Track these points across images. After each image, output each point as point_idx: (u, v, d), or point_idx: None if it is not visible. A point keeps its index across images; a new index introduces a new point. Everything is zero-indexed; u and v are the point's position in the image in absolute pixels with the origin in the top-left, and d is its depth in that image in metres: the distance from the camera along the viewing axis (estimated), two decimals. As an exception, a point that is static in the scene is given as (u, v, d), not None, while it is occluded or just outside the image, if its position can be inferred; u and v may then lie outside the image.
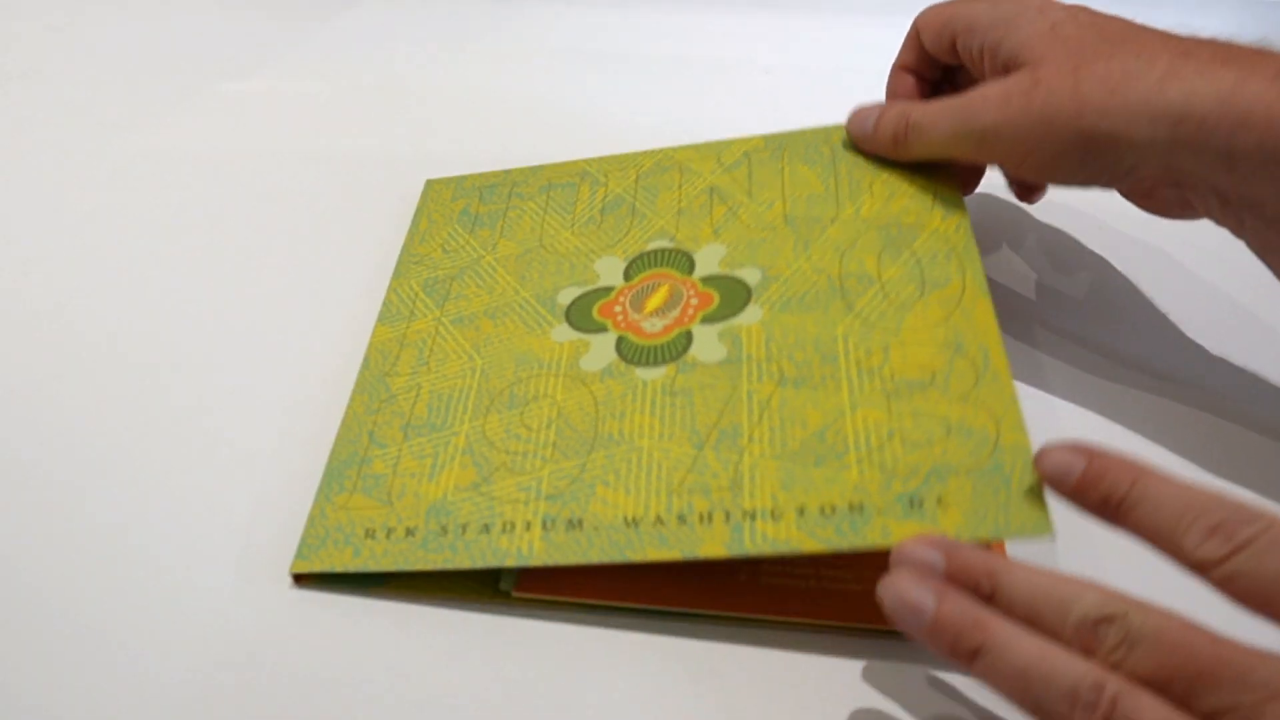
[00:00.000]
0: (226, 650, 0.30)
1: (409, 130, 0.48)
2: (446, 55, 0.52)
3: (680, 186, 0.41)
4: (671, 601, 0.30)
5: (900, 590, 0.25)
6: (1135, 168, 0.32)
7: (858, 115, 0.39)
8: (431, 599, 0.31)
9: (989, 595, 0.25)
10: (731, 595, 0.30)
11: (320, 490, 0.33)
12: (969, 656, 0.24)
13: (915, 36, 0.40)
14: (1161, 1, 0.64)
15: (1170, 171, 0.31)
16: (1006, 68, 0.34)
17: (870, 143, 0.39)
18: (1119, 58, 0.31)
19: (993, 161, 0.36)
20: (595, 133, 0.52)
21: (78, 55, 0.53)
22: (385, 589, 0.31)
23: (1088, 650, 0.23)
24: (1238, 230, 0.32)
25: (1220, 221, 0.33)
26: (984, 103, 0.34)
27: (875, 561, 0.28)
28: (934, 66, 0.40)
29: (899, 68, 0.41)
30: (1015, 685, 0.23)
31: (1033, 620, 0.24)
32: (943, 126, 0.35)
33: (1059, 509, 0.27)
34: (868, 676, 0.29)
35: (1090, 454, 0.26)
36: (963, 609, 0.24)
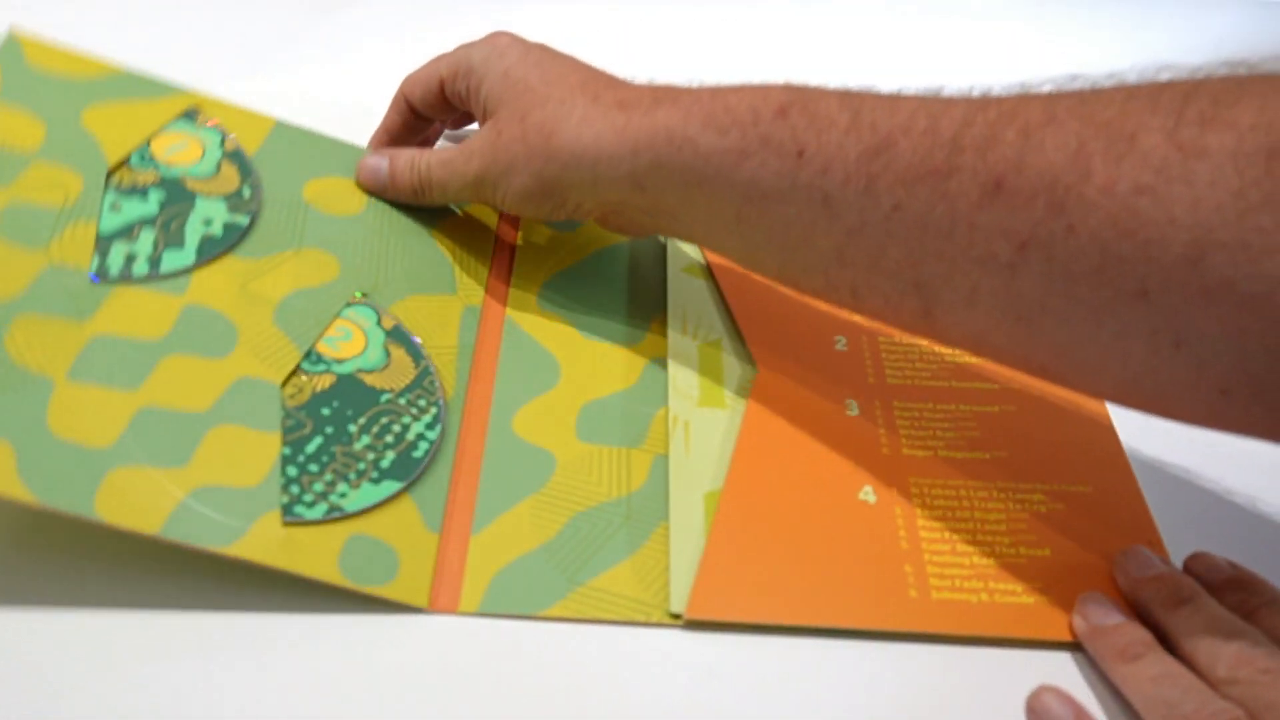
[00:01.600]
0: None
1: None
2: (437, 48, 0.52)
3: None
4: (844, 620, 0.31)
5: (1093, 598, 0.32)
6: (580, 203, 0.37)
7: (366, 167, 0.41)
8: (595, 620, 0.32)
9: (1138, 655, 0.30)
10: (904, 612, 0.31)
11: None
12: (1130, 659, 0.30)
13: (403, 101, 0.42)
14: (1162, 2, 0.64)
15: (604, 202, 0.36)
16: (486, 113, 0.38)
17: (389, 192, 0.41)
18: (550, 105, 0.36)
19: (488, 204, 0.40)
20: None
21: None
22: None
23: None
24: (674, 235, 0.41)
25: (662, 233, 0.41)
26: (468, 157, 0.38)
27: (1044, 574, 0.32)
28: (415, 130, 0.44)
29: (382, 131, 0.44)
30: (1153, 683, 0.29)
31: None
32: (448, 181, 0.39)
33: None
34: (1040, 684, 0.30)
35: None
36: (1140, 628, 0.31)
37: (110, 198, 0.37)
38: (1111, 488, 0.35)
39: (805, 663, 0.31)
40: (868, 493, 0.34)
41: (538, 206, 0.37)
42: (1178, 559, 0.33)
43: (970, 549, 0.33)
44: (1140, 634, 0.30)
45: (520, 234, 0.44)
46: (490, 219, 0.44)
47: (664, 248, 0.44)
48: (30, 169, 0.36)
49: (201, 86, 0.42)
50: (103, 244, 0.35)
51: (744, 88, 0.33)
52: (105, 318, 0.34)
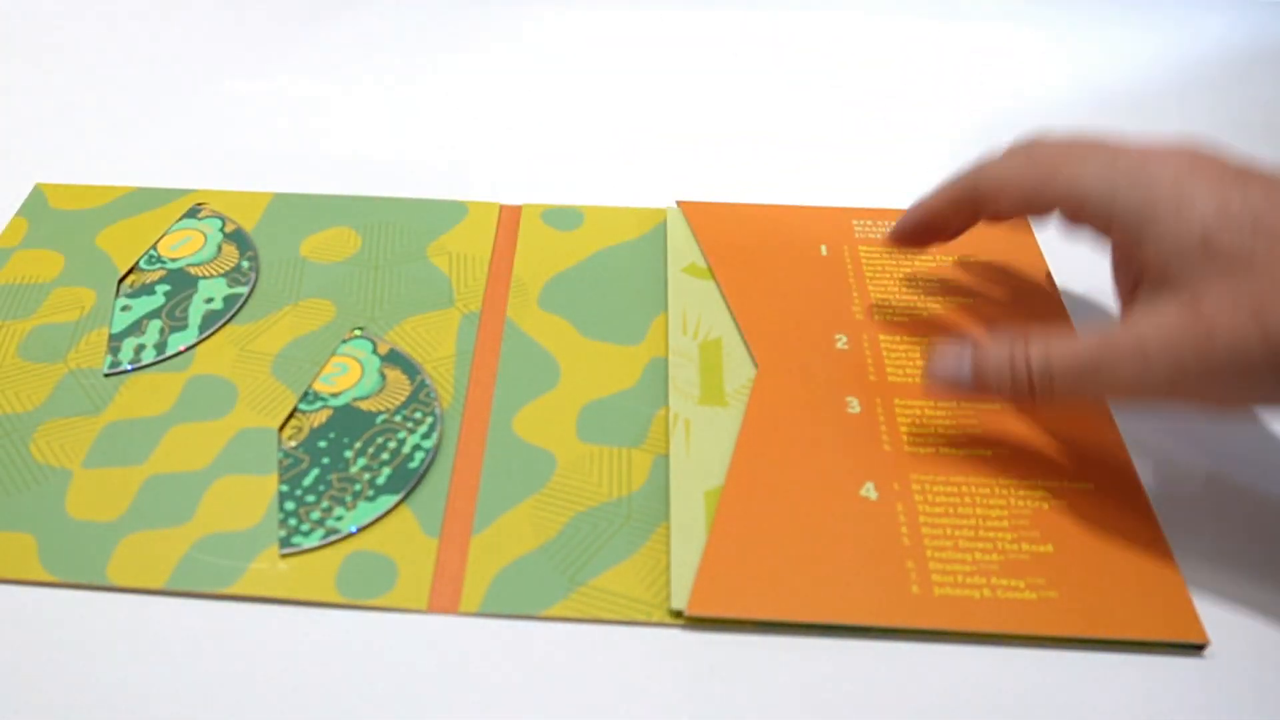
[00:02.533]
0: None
1: (400, 131, 0.49)
2: (436, 51, 0.53)
3: None
4: (846, 616, 0.30)
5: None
6: None
7: (941, 372, 0.32)
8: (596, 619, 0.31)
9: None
10: (906, 608, 0.30)
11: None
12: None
13: (971, 196, 0.33)
14: (1162, 2, 0.61)
15: None
16: (1157, 280, 0.28)
17: (975, 396, 0.32)
18: None
19: (1180, 405, 0.28)
20: (589, 134, 0.52)
21: (72, 56, 0.56)
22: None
23: None
24: None
25: None
26: (1140, 354, 0.27)
27: (1047, 571, 0.31)
28: (971, 222, 0.35)
29: (928, 211, 0.35)
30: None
31: None
32: (1090, 383, 0.29)
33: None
34: (1042, 684, 0.29)
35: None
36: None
37: (121, 302, 0.40)
38: (1113, 484, 0.34)
39: (805, 661, 0.30)
40: (869, 489, 0.33)
41: (1269, 396, 0.27)
42: (1180, 556, 0.32)
43: (972, 545, 0.32)
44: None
45: (520, 237, 0.43)
46: (489, 222, 0.44)
47: (663, 248, 0.43)
48: (50, 297, 0.40)
49: (202, 88, 0.44)
50: (114, 343, 0.38)
51: None
52: (117, 406, 0.36)
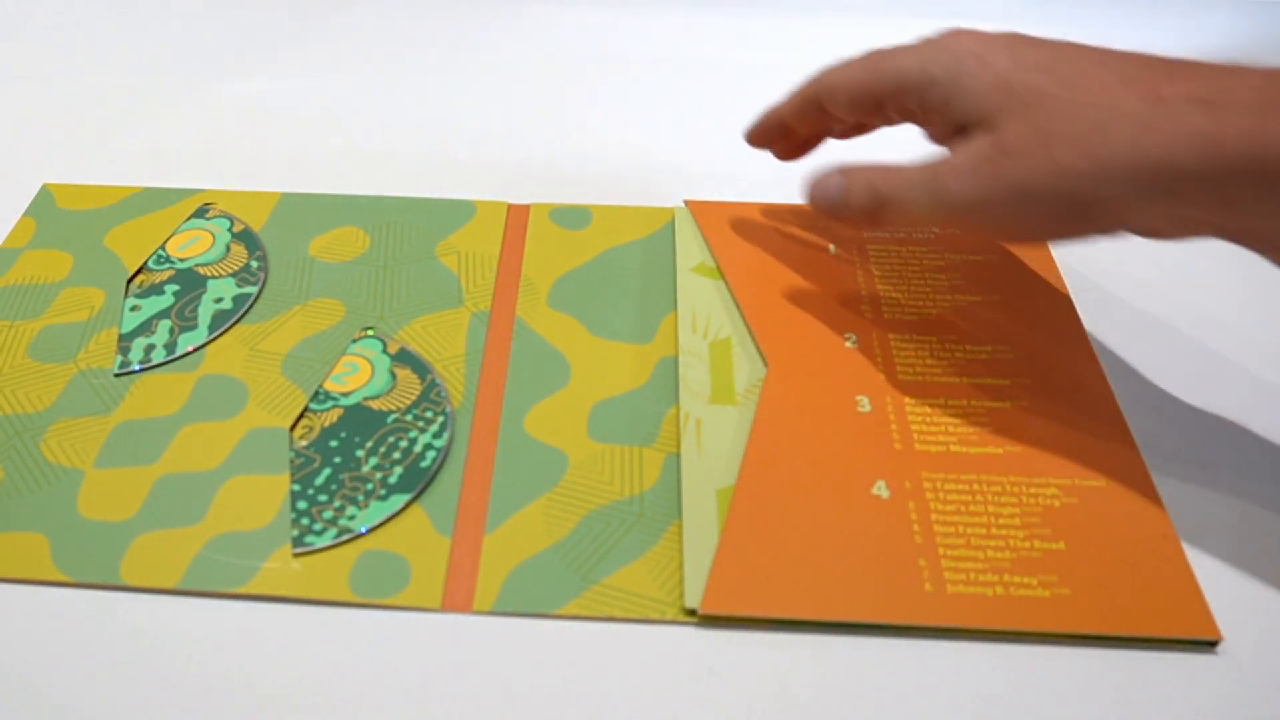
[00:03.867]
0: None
1: (408, 131, 0.49)
2: (444, 50, 0.53)
3: None
4: (859, 614, 0.30)
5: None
6: (1128, 220, 0.30)
7: (819, 184, 0.35)
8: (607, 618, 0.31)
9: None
10: (919, 606, 0.30)
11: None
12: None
13: (815, 98, 0.37)
14: (1162, 2, 0.62)
15: (1165, 216, 0.29)
16: (961, 127, 0.32)
17: (838, 212, 0.35)
18: (1086, 111, 0.29)
19: (973, 231, 0.33)
20: (597, 133, 0.52)
21: (78, 55, 0.56)
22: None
23: None
24: (1251, 248, 0.30)
25: (1242, 246, 0.30)
26: (954, 176, 0.31)
27: (1060, 568, 0.31)
28: (821, 126, 0.39)
29: (776, 117, 0.39)
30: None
31: None
32: (916, 201, 0.32)
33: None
34: (1054, 681, 0.29)
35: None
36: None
37: (130, 302, 0.40)
38: (1124, 480, 0.34)
39: (819, 659, 0.30)
40: (880, 488, 0.33)
41: (1062, 229, 0.31)
42: (1192, 552, 0.32)
43: (985, 543, 0.32)
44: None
45: (528, 236, 0.43)
46: (497, 223, 0.44)
47: (672, 247, 0.43)
48: (59, 297, 0.40)
49: (208, 87, 0.44)
50: (124, 343, 0.38)
51: None
52: (128, 406, 0.36)
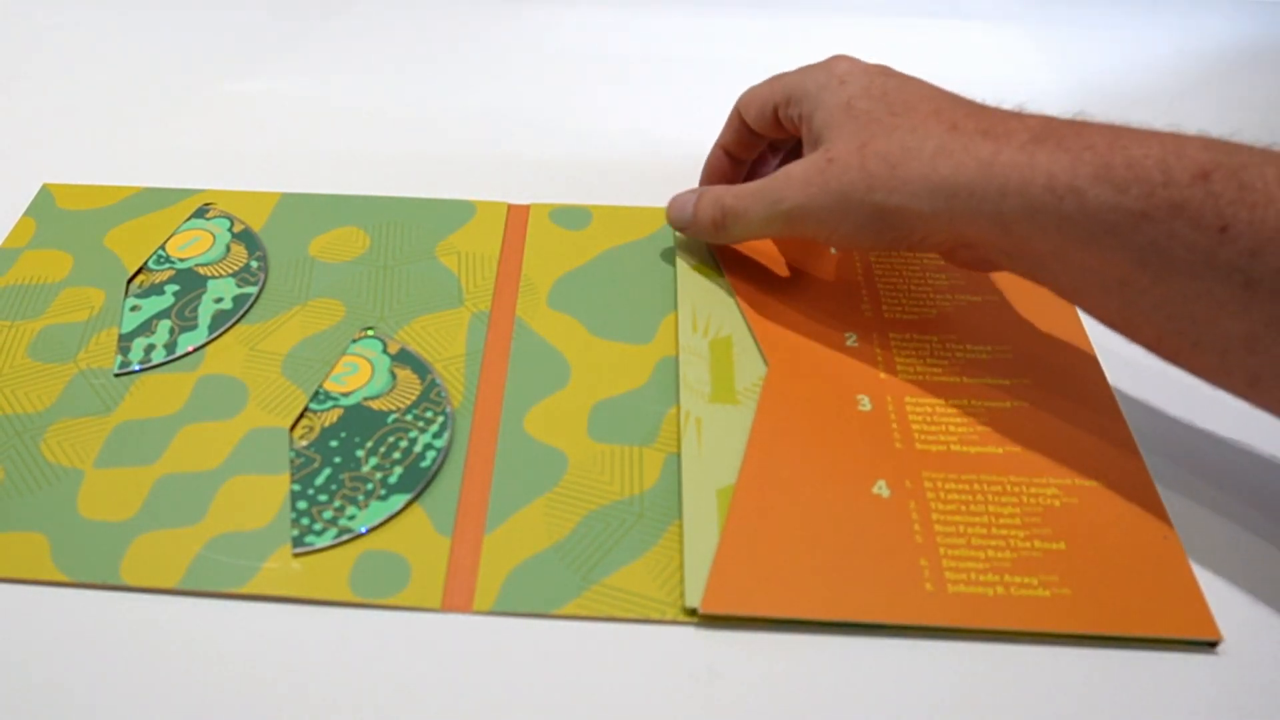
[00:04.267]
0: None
1: (409, 131, 0.49)
2: (445, 50, 0.53)
3: None
4: (861, 614, 0.30)
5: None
6: (926, 236, 0.33)
7: (675, 203, 0.41)
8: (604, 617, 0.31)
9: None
10: (920, 605, 0.30)
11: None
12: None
13: (737, 116, 0.41)
14: (1162, 2, 0.62)
15: (957, 236, 0.33)
16: (816, 141, 0.36)
17: (691, 228, 0.40)
18: (899, 133, 0.33)
19: (805, 236, 0.37)
20: (596, 134, 0.52)
21: (78, 55, 0.56)
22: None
23: None
24: (1033, 280, 0.33)
25: (1016, 273, 0.33)
26: (788, 184, 0.35)
27: (1060, 567, 0.31)
28: (752, 146, 0.42)
29: (718, 147, 0.42)
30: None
31: None
32: (755, 211, 0.37)
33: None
34: (1055, 681, 0.29)
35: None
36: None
37: (130, 302, 0.40)
38: (1124, 480, 0.34)
39: (819, 659, 0.30)
40: (881, 487, 0.34)
41: (872, 237, 0.35)
42: (1192, 552, 0.32)
43: (985, 543, 0.32)
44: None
45: (528, 236, 0.43)
46: (497, 223, 0.44)
47: (672, 246, 0.43)
48: (59, 297, 0.40)
49: (208, 87, 0.44)
50: (124, 343, 0.38)
51: (1148, 135, 0.29)
52: (128, 406, 0.36)
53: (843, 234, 0.35)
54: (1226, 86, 0.55)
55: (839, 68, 0.36)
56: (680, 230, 0.41)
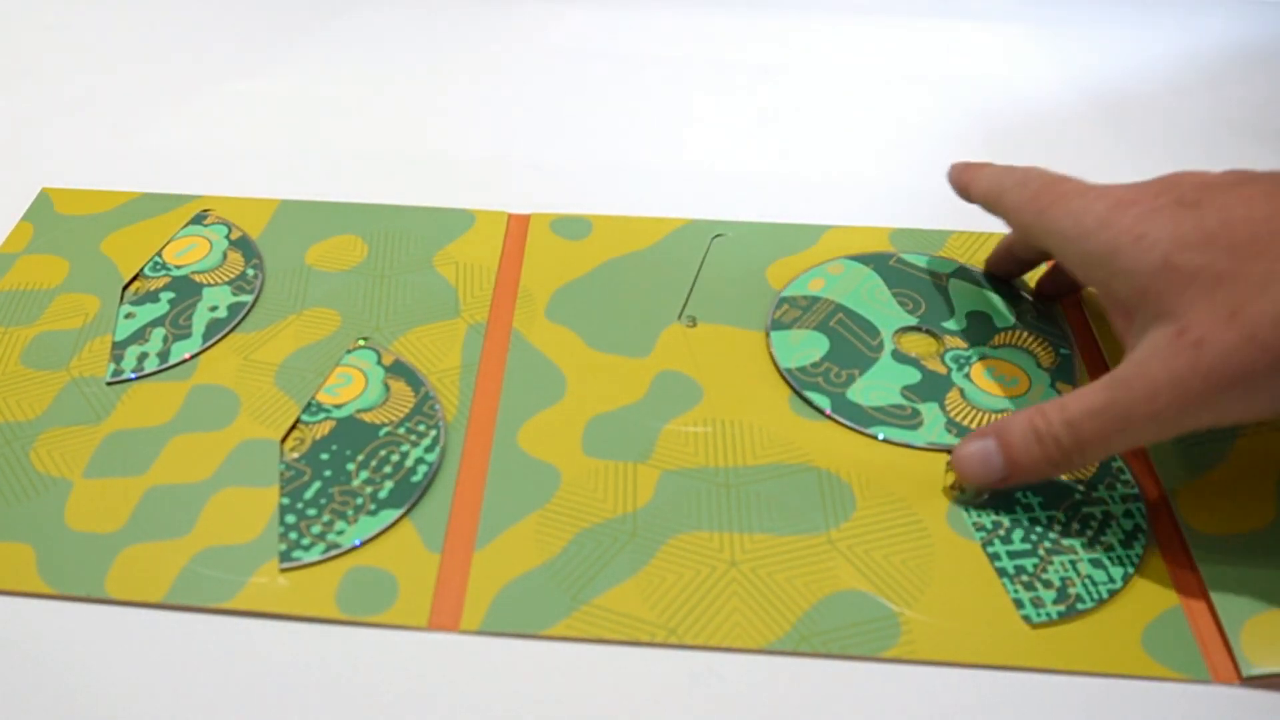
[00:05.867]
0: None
1: (407, 132, 0.49)
2: (447, 57, 0.53)
3: None
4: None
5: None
6: None
7: (972, 460, 0.32)
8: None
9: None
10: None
11: None
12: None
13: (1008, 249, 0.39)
14: (1162, 2, 0.61)
15: None
16: (1130, 313, 0.30)
17: (1016, 481, 0.32)
18: (1275, 285, 0.26)
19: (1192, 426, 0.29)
20: (596, 133, 0.51)
21: (78, 57, 0.56)
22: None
23: None
24: None
25: None
26: (1148, 392, 0.28)
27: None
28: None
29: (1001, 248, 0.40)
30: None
31: None
32: (1112, 434, 0.29)
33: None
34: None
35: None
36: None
37: (125, 309, 0.40)
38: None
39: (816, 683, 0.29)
40: None
41: (1272, 413, 0.28)
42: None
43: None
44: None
45: (527, 246, 0.43)
46: (496, 233, 0.43)
47: (673, 258, 0.42)
48: (54, 303, 0.40)
49: (208, 93, 0.45)
50: (117, 351, 0.38)
51: None
52: (119, 415, 0.36)
53: (1250, 411, 0.27)
54: (1226, 86, 0.55)
55: (1122, 218, 0.29)
56: (993, 487, 0.32)
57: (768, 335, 0.39)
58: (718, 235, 0.43)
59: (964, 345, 0.38)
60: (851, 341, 0.38)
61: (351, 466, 0.34)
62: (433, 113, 0.52)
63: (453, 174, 0.47)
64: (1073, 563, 0.31)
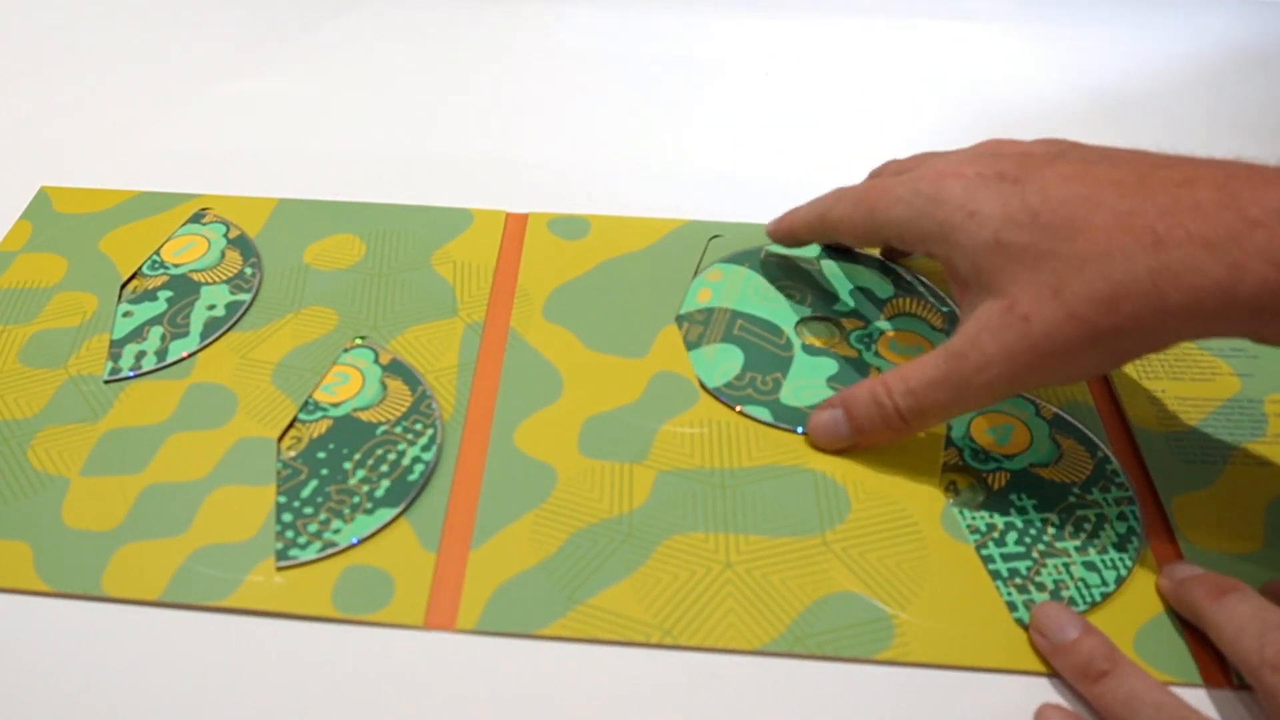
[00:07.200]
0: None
1: (406, 131, 0.49)
2: (445, 56, 0.53)
3: None
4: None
5: (1050, 610, 0.30)
6: (1160, 347, 0.29)
7: (820, 428, 0.34)
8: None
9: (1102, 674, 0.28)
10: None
11: None
12: (1096, 677, 0.28)
13: (822, 232, 0.38)
14: (1162, 2, 0.61)
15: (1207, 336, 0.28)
16: (974, 287, 0.31)
17: (863, 445, 0.34)
18: (1092, 266, 0.28)
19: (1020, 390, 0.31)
20: (594, 133, 0.51)
21: (77, 57, 0.56)
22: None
23: None
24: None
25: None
26: (981, 362, 0.30)
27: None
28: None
29: (792, 233, 0.40)
30: (1124, 706, 0.27)
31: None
32: (948, 402, 0.31)
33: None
34: None
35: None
36: (1101, 640, 0.29)
37: (123, 307, 0.40)
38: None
39: (810, 685, 0.29)
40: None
41: (1091, 374, 0.30)
42: None
43: None
44: (1101, 647, 0.28)
45: (525, 245, 0.43)
46: (494, 232, 0.43)
47: (671, 258, 0.42)
48: (52, 301, 0.40)
49: (207, 92, 0.46)
50: (115, 349, 0.38)
51: None
52: (116, 413, 0.36)
53: (1070, 376, 0.30)
54: (1226, 86, 0.55)
55: (958, 189, 0.31)
56: (841, 451, 0.34)
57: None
58: (715, 236, 0.43)
59: (861, 324, 0.39)
60: (762, 346, 0.38)
61: (348, 465, 0.34)
62: (430, 112, 0.52)
63: (450, 173, 0.47)
64: (1066, 565, 0.31)
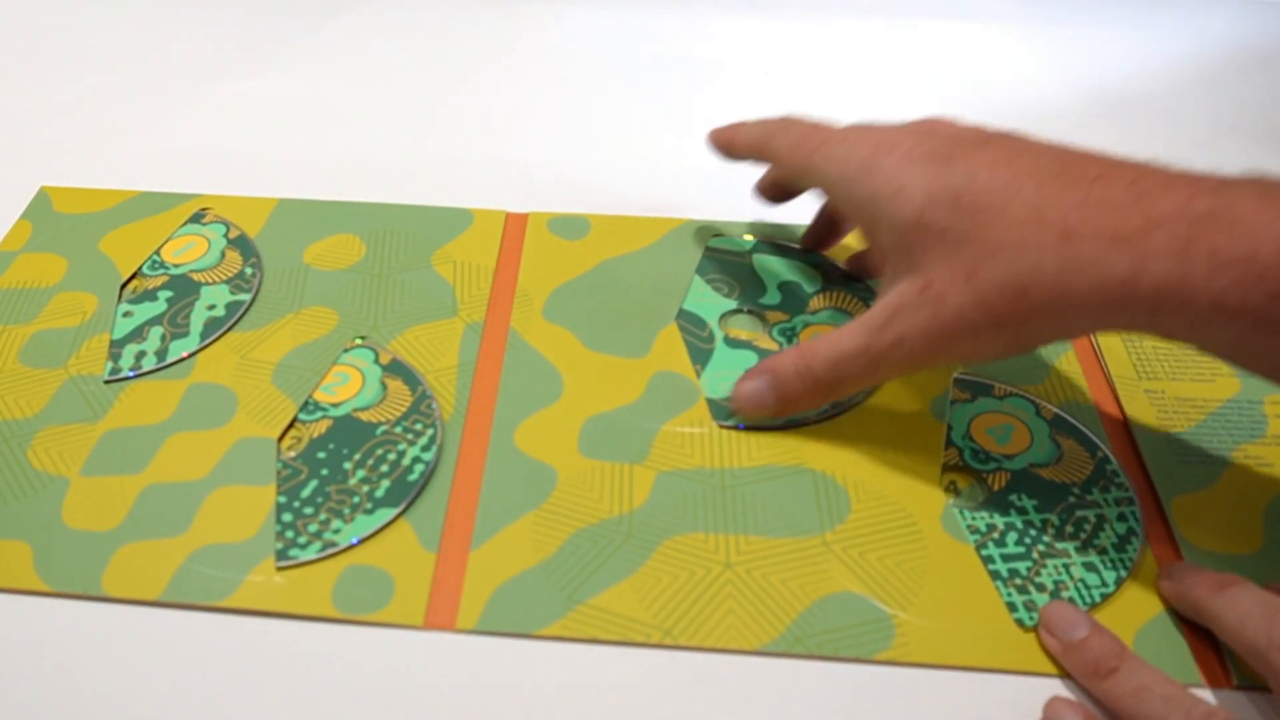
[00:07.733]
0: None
1: (406, 131, 0.49)
2: (445, 56, 0.53)
3: None
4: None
5: (1059, 609, 0.30)
6: (1063, 338, 0.30)
7: (745, 396, 0.35)
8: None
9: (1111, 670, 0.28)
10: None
11: None
12: (1105, 674, 0.28)
13: (758, 152, 0.38)
14: (1162, 2, 0.62)
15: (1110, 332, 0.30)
16: (886, 256, 0.32)
17: (788, 413, 0.35)
18: (1005, 253, 0.28)
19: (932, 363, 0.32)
20: (594, 133, 0.51)
21: (78, 57, 0.56)
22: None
23: None
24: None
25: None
26: (894, 339, 0.31)
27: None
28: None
29: (726, 147, 0.39)
30: (1133, 699, 0.27)
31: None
32: (864, 372, 0.32)
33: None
34: None
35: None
36: (1110, 638, 0.29)
37: (123, 307, 0.40)
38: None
39: (810, 685, 0.29)
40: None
41: (1009, 352, 0.31)
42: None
43: None
44: (1110, 645, 0.29)
45: (525, 245, 0.43)
46: (494, 232, 0.43)
47: (671, 257, 0.42)
48: (52, 301, 0.40)
49: (208, 92, 0.46)
50: (115, 349, 0.38)
51: None
52: (116, 413, 0.36)
53: (975, 356, 0.31)
54: (1226, 86, 0.55)
55: (890, 162, 0.31)
56: (760, 415, 0.35)
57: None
58: (715, 235, 0.43)
59: (786, 317, 0.39)
60: (687, 339, 0.39)
61: (348, 465, 0.34)
62: (430, 112, 0.52)
63: (450, 173, 0.47)
64: (1066, 566, 0.31)
